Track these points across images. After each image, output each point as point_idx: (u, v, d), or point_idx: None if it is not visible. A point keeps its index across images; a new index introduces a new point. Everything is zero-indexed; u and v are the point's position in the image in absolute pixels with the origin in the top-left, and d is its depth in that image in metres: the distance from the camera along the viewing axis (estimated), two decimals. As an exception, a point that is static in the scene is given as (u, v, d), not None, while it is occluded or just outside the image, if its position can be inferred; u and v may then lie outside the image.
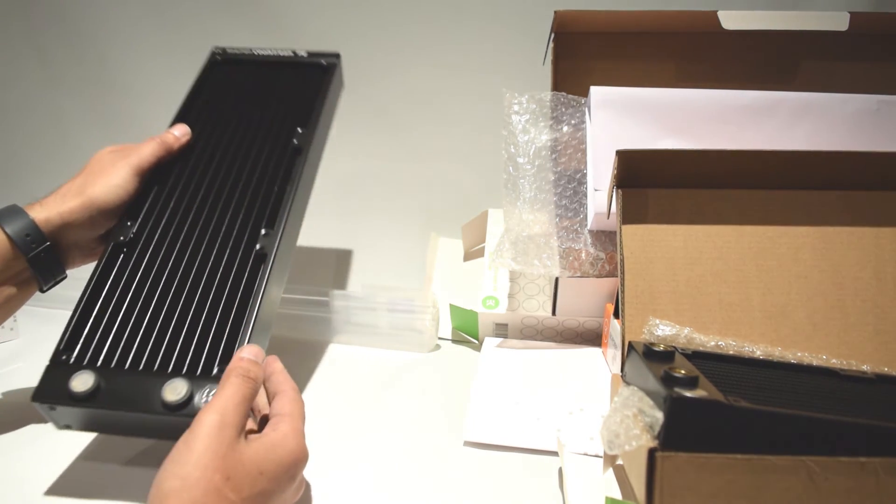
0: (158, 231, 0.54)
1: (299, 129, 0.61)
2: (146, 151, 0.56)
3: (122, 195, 0.54)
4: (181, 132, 0.59)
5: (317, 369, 0.63)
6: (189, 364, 0.46)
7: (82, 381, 0.45)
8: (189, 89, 0.66)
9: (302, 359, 0.64)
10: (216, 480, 0.35)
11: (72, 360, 0.47)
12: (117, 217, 0.54)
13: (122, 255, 0.53)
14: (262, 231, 0.53)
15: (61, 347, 0.48)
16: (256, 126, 0.62)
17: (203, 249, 0.53)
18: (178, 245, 0.53)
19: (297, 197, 0.56)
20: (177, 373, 0.46)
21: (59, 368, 0.46)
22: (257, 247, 0.52)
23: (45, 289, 0.53)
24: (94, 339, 0.48)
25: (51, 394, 0.45)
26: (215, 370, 0.46)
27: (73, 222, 0.52)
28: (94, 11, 0.95)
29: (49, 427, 0.53)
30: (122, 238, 0.53)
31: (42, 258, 0.51)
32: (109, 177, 0.53)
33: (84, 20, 0.96)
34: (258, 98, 0.65)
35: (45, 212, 0.51)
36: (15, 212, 0.50)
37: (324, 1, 0.89)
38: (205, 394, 0.44)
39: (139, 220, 0.55)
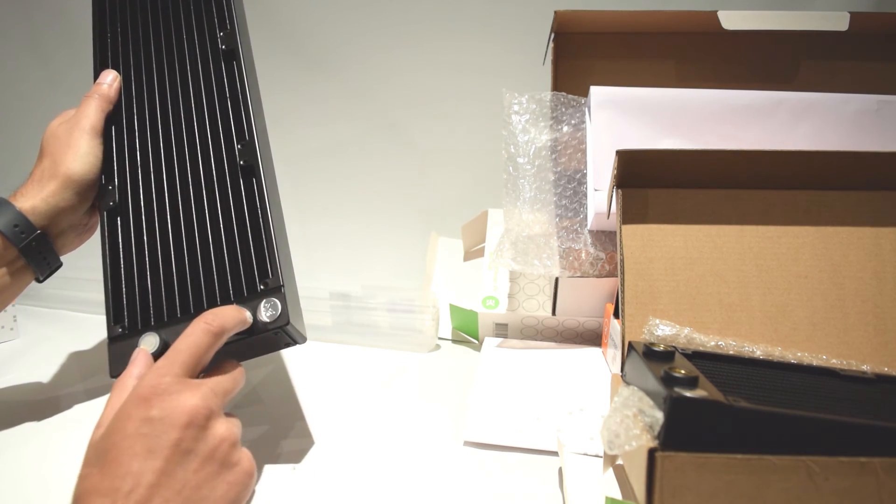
0: (140, 182, 0.54)
1: (221, 33, 0.57)
2: (92, 111, 0.55)
3: (94, 161, 0.53)
4: (111, 78, 0.57)
5: (317, 369, 0.63)
6: (234, 290, 0.48)
7: (149, 343, 0.47)
8: (92, 32, 0.62)
9: (302, 359, 0.64)
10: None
11: (127, 329, 0.49)
12: (96, 185, 0.54)
13: (118, 218, 0.53)
14: (238, 146, 0.52)
15: (112, 322, 0.50)
16: (175, 44, 0.58)
17: (191, 185, 0.52)
18: (166, 188, 0.53)
19: (252, 100, 0.54)
20: (226, 302, 0.47)
21: (120, 341, 0.49)
22: (240, 162, 0.51)
23: (41, 279, 0.53)
24: (136, 303, 0.50)
25: (126, 365, 0.46)
26: (260, 287, 0.47)
27: (59, 204, 0.51)
28: (94, 11, 0.95)
29: (47, 426, 0.54)
30: (111, 203, 0.53)
31: (34, 247, 0.51)
32: (75, 148, 0.53)
33: (84, 20, 0.96)
34: (162, 14, 0.60)
35: (29, 200, 0.50)
36: (0, 203, 0.50)
37: (322, 0, 0.89)
38: (266, 307, 0.46)
39: (115, 178, 0.54)
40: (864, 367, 0.43)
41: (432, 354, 0.66)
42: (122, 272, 0.51)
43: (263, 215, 0.49)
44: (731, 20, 0.65)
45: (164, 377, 0.39)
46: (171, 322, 0.48)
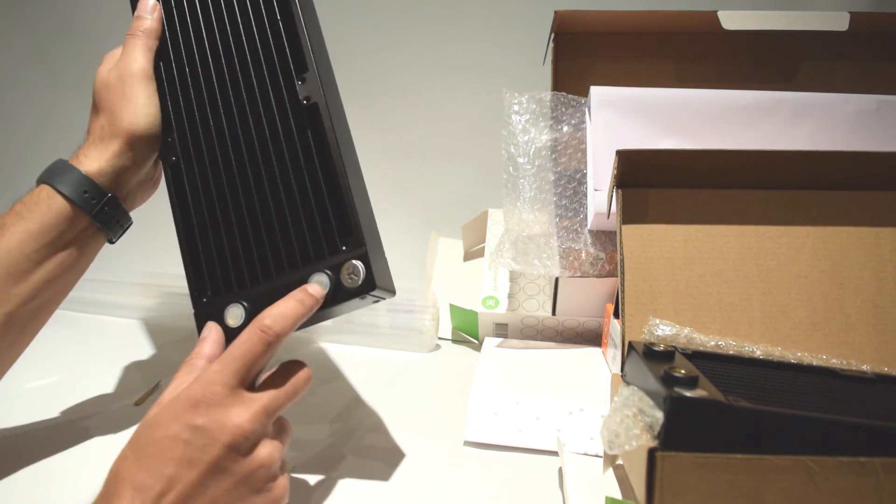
0: (200, 132, 0.48)
1: None
2: (139, 53, 0.49)
3: (155, 112, 0.48)
4: (150, 7, 0.50)
5: (317, 370, 0.63)
6: (314, 251, 0.44)
7: (234, 315, 0.45)
8: None
9: (302, 359, 0.64)
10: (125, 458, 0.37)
11: (209, 297, 0.47)
12: (160, 138, 0.49)
13: (184, 176, 0.49)
14: (298, 82, 0.46)
15: (196, 292, 0.47)
16: None
17: (255, 133, 0.47)
18: (229, 139, 0.48)
19: (310, 30, 0.48)
20: (307, 264, 0.44)
21: (205, 309, 0.46)
22: (303, 101, 0.46)
23: (114, 240, 0.51)
24: (216, 267, 0.47)
25: None
26: (342, 247, 0.43)
27: (125, 164, 0.48)
28: (94, 11, 0.95)
29: (46, 428, 0.53)
30: (173, 158, 0.49)
31: (106, 212, 0.48)
32: (132, 101, 0.48)
33: (84, 20, 0.96)
34: None
35: (94, 162, 0.47)
36: (64, 169, 0.46)
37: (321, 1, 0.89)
38: (348, 273, 0.43)
39: (175, 129, 0.49)
40: (864, 367, 0.43)
41: (432, 354, 0.66)
42: (198, 235, 0.47)
43: (335, 159, 0.44)
44: (731, 20, 0.65)
45: (215, 385, 0.37)
46: (254, 286, 0.45)
